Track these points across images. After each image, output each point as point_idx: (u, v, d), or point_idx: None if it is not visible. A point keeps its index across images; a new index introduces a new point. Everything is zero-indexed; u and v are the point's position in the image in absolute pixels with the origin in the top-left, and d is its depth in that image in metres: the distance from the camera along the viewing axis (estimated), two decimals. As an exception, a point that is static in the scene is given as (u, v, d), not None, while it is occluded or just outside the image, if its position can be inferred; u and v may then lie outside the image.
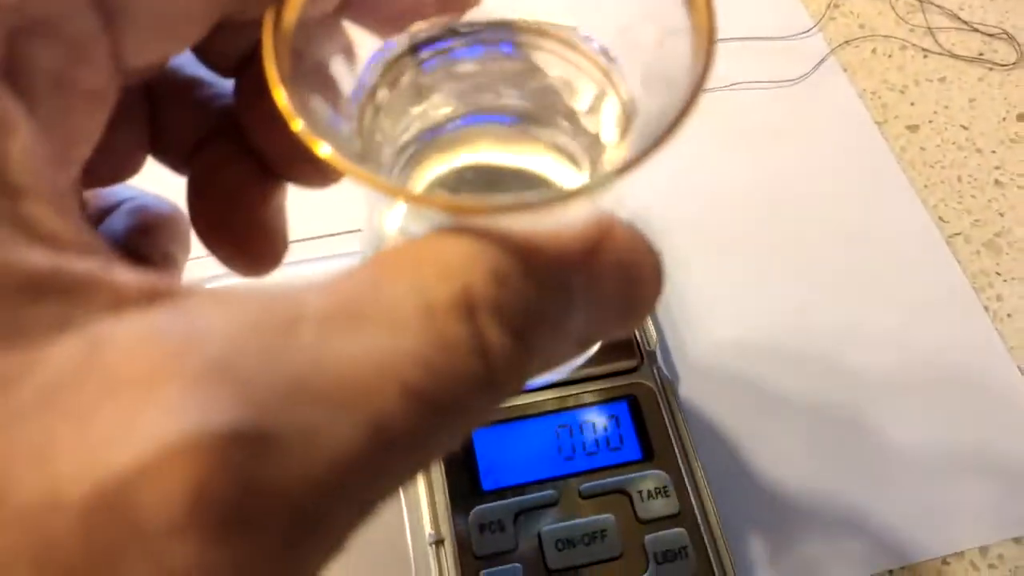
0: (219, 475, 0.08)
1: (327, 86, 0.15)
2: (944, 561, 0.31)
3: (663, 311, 0.36)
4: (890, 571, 0.30)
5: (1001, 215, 0.39)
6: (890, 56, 0.44)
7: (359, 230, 0.36)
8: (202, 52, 0.16)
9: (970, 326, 0.36)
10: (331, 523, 0.09)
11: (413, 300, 0.11)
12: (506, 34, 0.18)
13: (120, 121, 0.13)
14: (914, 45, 0.45)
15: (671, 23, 0.15)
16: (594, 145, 0.18)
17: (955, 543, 0.31)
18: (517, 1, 0.17)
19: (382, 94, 0.17)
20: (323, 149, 0.12)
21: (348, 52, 0.16)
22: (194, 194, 0.17)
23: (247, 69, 0.16)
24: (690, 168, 0.40)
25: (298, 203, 0.38)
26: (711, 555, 0.28)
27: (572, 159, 0.19)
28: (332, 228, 0.36)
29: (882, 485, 0.32)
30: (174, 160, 0.17)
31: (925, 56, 0.44)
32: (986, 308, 0.36)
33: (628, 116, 0.18)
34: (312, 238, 0.36)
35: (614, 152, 0.18)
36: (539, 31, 0.18)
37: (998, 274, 0.37)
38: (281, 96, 0.12)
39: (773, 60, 0.43)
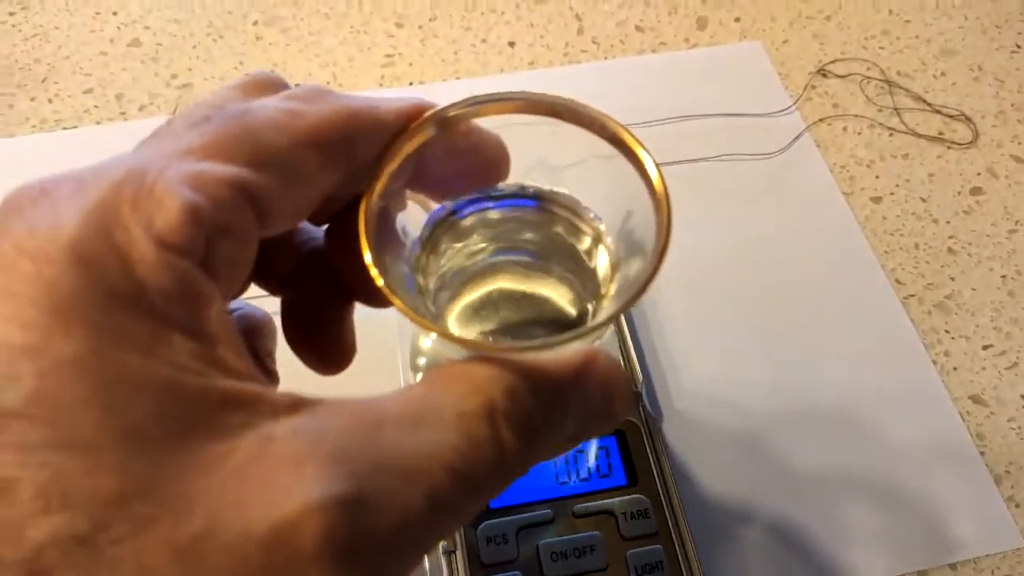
0: (338, 524, 0.13)
1: (396, 241, 0.21)
2: (888, 582, 0.35)
3: (650, 357, 0.41)
4: (841, 589, 0.35)
5: (952, 279, 0.44)
6: (859, 133, 0.50)
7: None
8: None
9: (919, 378, 0.41)
10: (401, 558, 0.14)
11: (452, 409, 0.16)
12: (528, 196, 0.24)
13: None
14: (881, 124, 0.50)
15: (644, 214, 0.21)
16: (592, 279, 0.24)
17: (897, 567, 0.36)
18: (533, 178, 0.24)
19: (431, 241, 0.23)
20: (398, 303, 0.17)
21: (411, 215, 0.22)
22: (287, 313, 0.22)
23: (336, 221, 0.22)
24: (677, 228, 0.45)
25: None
26: (683, 569, 0.33)
27: (576, 289, 0.24)
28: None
29: (835, 514, 0.37)
30: (272, 286, 0.23)
31: (891, 134, 0.50)
32: (934, 362, 0.41)
33: (614, 266, 0.23)
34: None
35: (603, 291, 0.23)
36: (551, 197, 0.24)
37: (947, 332, 0.42)
38: (368, 258, 0.18)
39: (755, 135, 0.49)
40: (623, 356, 0.38)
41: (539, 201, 0.24)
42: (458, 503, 0.15)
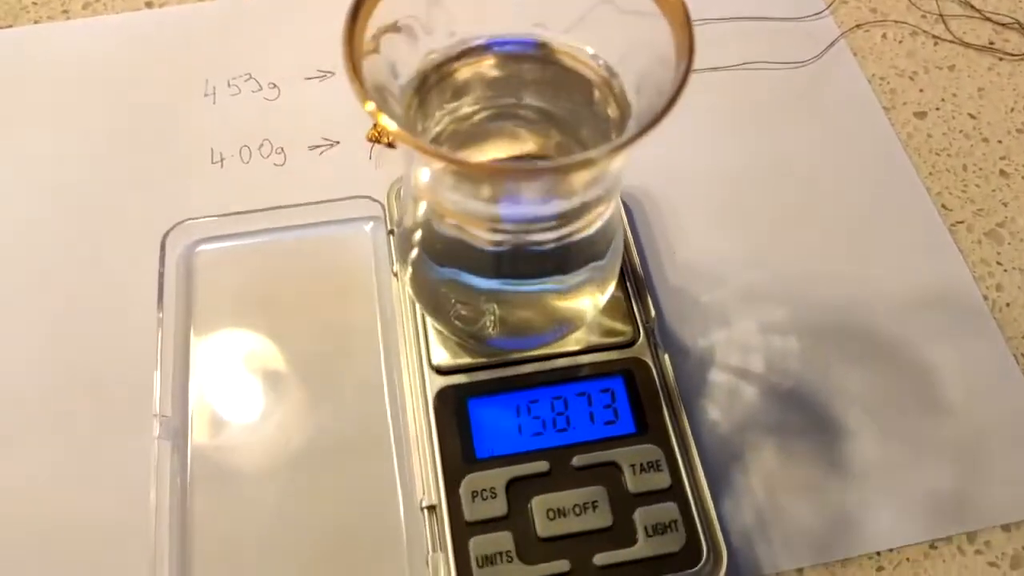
0: None
1: (386, 78, 0.21)
2: (931, 545, 0.31)
3: (661, 285, 0.36)
4: (878, 552, 0.31)
5: (1004, 205, 0.39)
6: (900, 42, 0.44)
7: (361, 196, 0.35)
8: None
9: (968, 315, 0.36)
10: None
11: None
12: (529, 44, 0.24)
13: None
14: (925, 32, 0.44)
15: (662, 52, 0.20)
16: (601, 132, 0.23)
17: (942, 529, 0.31)
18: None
19: (422, 91, 0.23)
20: (385, 119, 0.18)
21: (400, 54, 0.22)
22: None
23: None
24: (697, 144, 0.39)
25: (305, 170, 0.38)
26: (701, 530, 0.28)
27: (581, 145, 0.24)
28: (335, 194, 0.36)
29: (874, 468, 0.32)
30: None
31: (936, 43, 0.44)
32: (985, 297, 0.36)
33: (623, 115, 0.23)
34: (318, 202, 0.36)
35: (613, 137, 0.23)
36: (558, 45, 0.23)
37: (999, 263, 0.37)
38: (357, 85, 0.18)
39: (783, 41, 0.43)
40: (632, 283, 0.33)
41: (540, 49, 0.23)
42: None
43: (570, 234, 0.27)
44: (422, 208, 0.27)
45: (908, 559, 0.31)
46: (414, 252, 0.30)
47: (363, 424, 0.32)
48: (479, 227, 0.26)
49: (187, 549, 0.30)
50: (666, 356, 0.32)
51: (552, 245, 0.27)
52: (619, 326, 0.32)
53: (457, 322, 0.30)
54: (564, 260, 0.28)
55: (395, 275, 0.34)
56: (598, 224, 0.28)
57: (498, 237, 0.26)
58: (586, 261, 0.29)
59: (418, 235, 0.29)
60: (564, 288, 0.29)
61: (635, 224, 0.37)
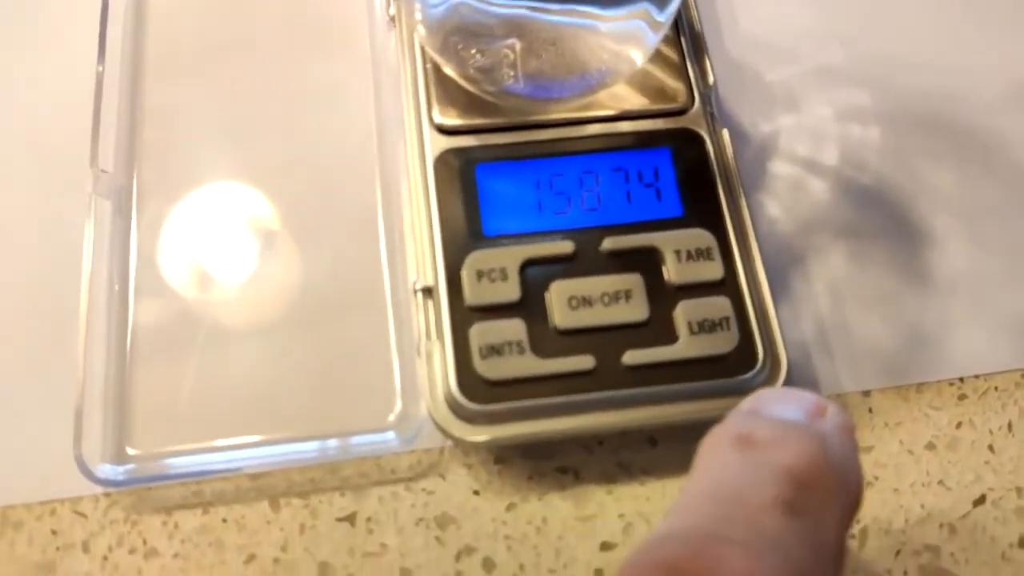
0: None
1: None
2: (1024, 374, 0.26)
3: (718, 56, 0.29)
4: (960, 378, 0.25)
5: None
6: None
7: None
8: None
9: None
10: None
11: None
12: None
13: None
14: None
15: None
16: None
17: (1038, 356, 0.26)
18: None
19: None
20: None
21: None
22: None
23: None
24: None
25: None
26: (758, 331, 0.23)
27: None
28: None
29: (961, 281, 0.26)
30: None
31: None
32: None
33: None
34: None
35: None
36: None
37: None
38: None
39: None
40: (689, 41, 0.27)
41: None
42: None
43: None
44: None
45: (996, 388, 0.25)
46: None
47: (344, 194, 0.26)
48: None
49: (125, 335, 0.24)
50: (724, 130, 0.26)
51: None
52: (668, 91, 0.26)
53: (470, 63, 0.23)
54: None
55: (392, 19, 0.28)
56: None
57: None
58: (637, -6, 0.22)
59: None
60: (606, 25, 0.23)
61: (690, -16, 0.30)
